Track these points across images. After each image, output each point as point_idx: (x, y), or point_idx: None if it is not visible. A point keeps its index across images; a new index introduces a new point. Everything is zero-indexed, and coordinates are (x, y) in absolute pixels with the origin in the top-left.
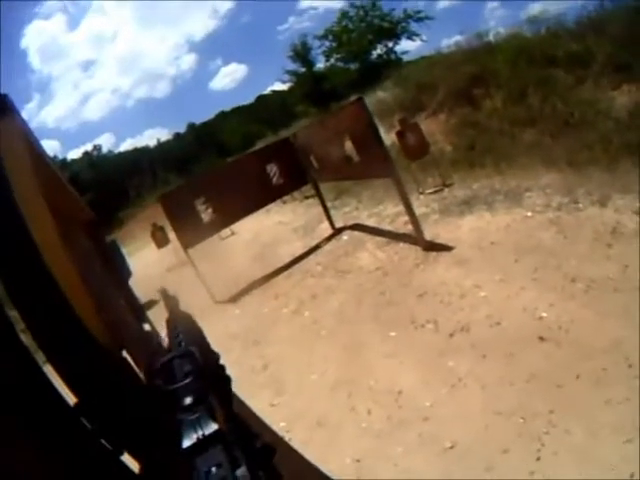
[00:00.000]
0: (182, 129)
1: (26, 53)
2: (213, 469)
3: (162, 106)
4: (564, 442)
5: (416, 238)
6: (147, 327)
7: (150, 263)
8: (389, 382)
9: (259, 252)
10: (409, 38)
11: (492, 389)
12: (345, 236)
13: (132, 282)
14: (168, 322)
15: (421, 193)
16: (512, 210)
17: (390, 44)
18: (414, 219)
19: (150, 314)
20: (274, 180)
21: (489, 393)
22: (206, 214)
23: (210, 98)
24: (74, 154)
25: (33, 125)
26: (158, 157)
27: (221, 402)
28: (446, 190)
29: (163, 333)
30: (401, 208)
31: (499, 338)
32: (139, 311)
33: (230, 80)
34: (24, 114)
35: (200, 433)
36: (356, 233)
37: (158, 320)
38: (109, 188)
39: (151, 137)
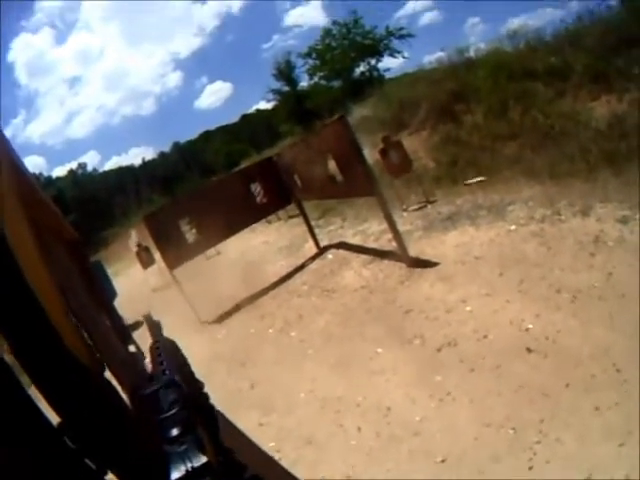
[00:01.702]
0: (167, 148)
1: (13, 67)
2: None
3: (148, 124)
4: (556, 450)
5: (400, 255)
6: (132, 348)
7: (136, 283)
8: (377, 398)
9: (245, 272)
10: (391, 55)
11: (481, 402)
12: (330, 255)
13: (117, 303)
14: (151, 348)
15: (405, 210)
16: (495, 224)
17: (373, 61)
18: (398, 236)
19: (136, 335)
20: (258, 199)
21: (478, 406)
22: (191, 234)
23: (195, 116)
24: (59, 171)
25: (19, 141)
26: (143, 176)
27: (208, 432)
28: (429, 206)
29: (148, 357)
30: (386, 226)
31: (486, 351)
32: (124, 332)
33: (215, 98)
34: (10, 130)
35: (189, 465)
36: (341, 252)
37: (143, 342)
38: (94, 207)
39: (136, 155)
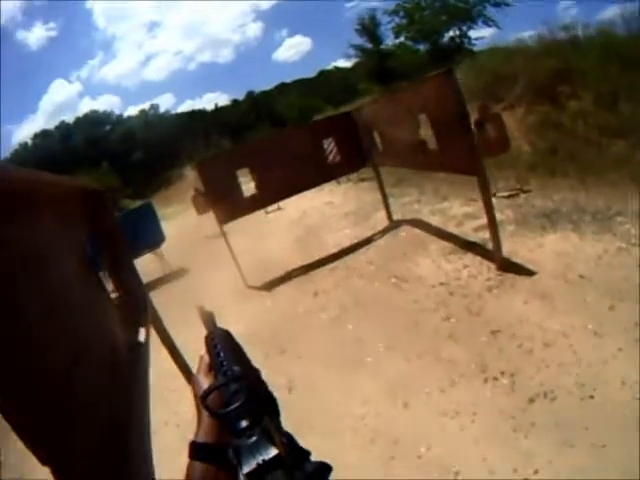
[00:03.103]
0: (241, 96)
1: (91, 12)
2: None
3: (224, 72)
4: None
5: (492, 252)
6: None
7: (190, 228)
8: (445, 454)
9: (303, 235)
10: (484, 23)
11: None
12: (403, 232)
13: (165, 246)
14: (207, 339)
15: (493, 195)
16: (602, 237)
17: (464, 28)
18: (494, 230)
19: (178, 284)
20: (330, 158)
21: None
22: (249, 187)
23: (272, 68)
24: (133, 111)
25: (94, 81)
26: (214, 121)
27: (272, 421)
28: (522, 196)
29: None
30: (470, 209)
31: (591, 419)
32: (138, 297)
33: (294, 52)
34: (86, 70)
35: (260, 459)
36: (416, 231)
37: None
38: (161, 147)
39: (210, 101)
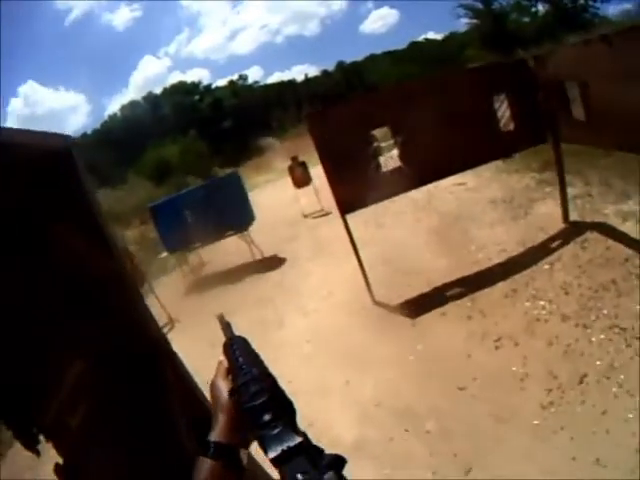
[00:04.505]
0: (331, 67)
1: None
2: (299, 476)
3: (311, 44)
4: None
5: None
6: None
7: (284, 203)
8: None
9: (440, 227)
10: None
11: None
12: (591, 242)
13: (255, 227)
14: (225, 346)
15: None
16: None
17: None
18: None
19: (272, 274)
20: (502, 124)
21: None
22: (390, 159)
23: (360, 40)
24: (221, 83)
25: (183, 55)
26: (304, 92)
27: (290, 419)
28: None
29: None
30: None
31: None
32: None
33: (381, 24)
34: (174, 45)
35: (285, 445)
36: (609, 242)
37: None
38: (251, 117)
39: (299, 72)
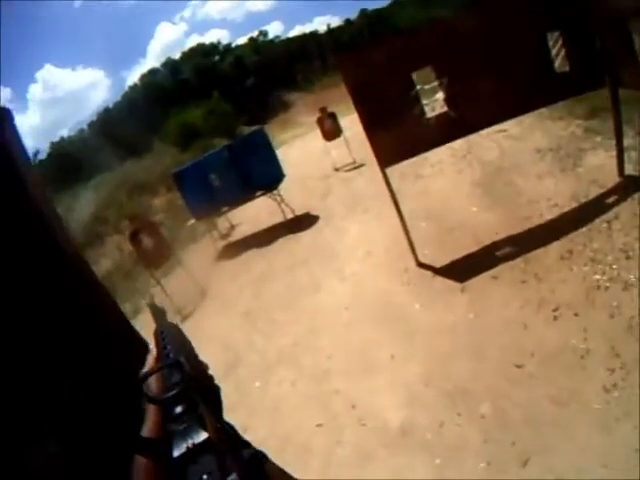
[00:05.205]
0: (354, 16)
1: None
2: (205, 477)
3: None
4: None
5: None
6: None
7: (313, 157)
8: None
9: (484, 178)
10: None
11: None
12: None
13: (285, 185)
14: (155, 334)
15: None
16: None
17: None
18: None
19: (305, 235)
20: (557, 64)
21: None
22: (435, 104)
23: None
24: (241, 41)
25: (199, 17)
26: (327, 43)
27: (210, 411)
28: None
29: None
30: None
31: None
32: None
33: None
34: (189, 10)
35: (190, 442)
36: None
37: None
38: (274, 72)
39: (321, 24)
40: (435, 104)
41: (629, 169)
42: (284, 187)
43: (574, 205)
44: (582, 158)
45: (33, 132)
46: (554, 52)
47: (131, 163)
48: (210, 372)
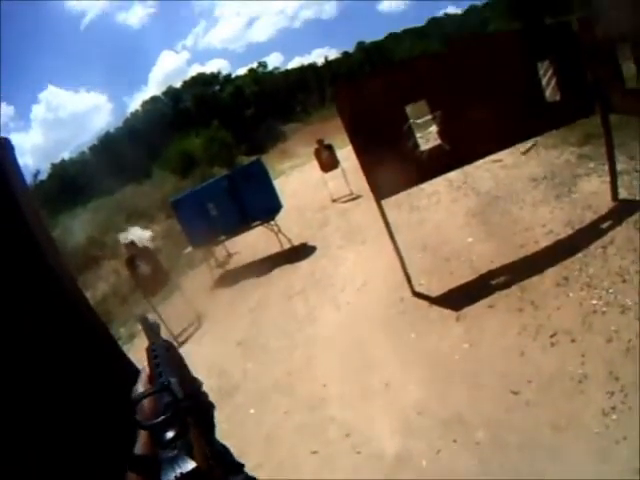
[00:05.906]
0: (351, 48)
1: None
2: None
3: (329, 27)
4: None
5: None
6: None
7: (310, 187)
8: None
9: (479, 208)
10: None
11: None
12: None
13: (283, 215)
14: (147, 350)
15: None
16: None
17: None
18: None
19: (302, 264)
20: (548, 94)
21: None
22: (430, 136)
23: (378, 19)
24: (241, 71)
25: (201, 47)
26: (326, 75)
27: (202, 433)
28: None
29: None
30: None
31: None
32: None
33: (399, 2)
34: (191, 38)
35: (178, 472)
36: None
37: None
38: (274, 102)
39: (319, 56)
40: (429, 136)
41: (623, 193)
42: (282, 217)
43: (569, 231)
44: (576, 184)
45: (35, 152)
46: (544, 82)
47: (130, 188)
48: (203, 389)
